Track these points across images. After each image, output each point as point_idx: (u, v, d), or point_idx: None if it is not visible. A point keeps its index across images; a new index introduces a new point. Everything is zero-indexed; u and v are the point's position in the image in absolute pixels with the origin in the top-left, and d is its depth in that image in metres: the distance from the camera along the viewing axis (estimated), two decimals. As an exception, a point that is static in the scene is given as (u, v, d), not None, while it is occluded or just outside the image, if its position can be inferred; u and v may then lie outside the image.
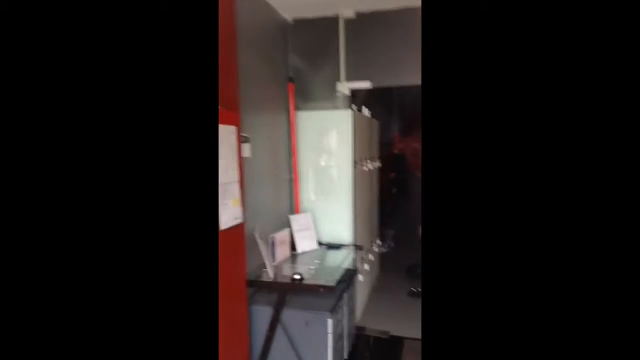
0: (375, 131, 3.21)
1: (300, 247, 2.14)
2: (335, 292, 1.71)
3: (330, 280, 1.70)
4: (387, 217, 5.88)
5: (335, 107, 2.34)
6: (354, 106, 2.37)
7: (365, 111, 2.66)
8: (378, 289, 3.04)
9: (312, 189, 2.32)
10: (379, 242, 4.05)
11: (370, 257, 2.85)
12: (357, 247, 2.30)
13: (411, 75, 2.20)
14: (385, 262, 3.70)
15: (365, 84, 2.29)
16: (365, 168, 2.59)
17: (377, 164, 3.42)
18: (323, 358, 1.69)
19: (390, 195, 7.44)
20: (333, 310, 1.70)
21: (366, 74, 2.29)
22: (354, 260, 2.25)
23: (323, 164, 2.28)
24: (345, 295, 1.95)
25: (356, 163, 2.33)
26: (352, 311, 2.17)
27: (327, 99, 2.37)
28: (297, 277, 1.70)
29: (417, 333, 2.28)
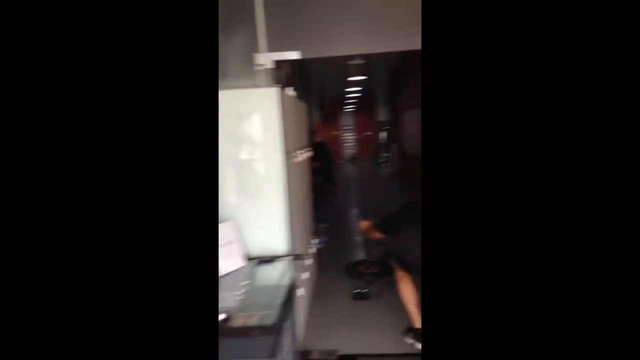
0: (303, 115, 2.79)
1: (223, 268, 1.64)
2: (273, 329, 1.27)
3: (267, 314, 1.26)
4: (316, 209, 5.61)
5: (256, 85, 1.86)
6: (278, 83, 1.91)
7: (289, 91, 2.21)
8: (318, 294, 2.68)
9: (232, 190, 1.82)
10: (313, 239, 3.72)
11: (308, 261, 2.46)
12: (296, 257, 1.88)
13: (352, 44, 1.82)
14: (322, 261, 3.36)
15: (293, 55, 1.83)
16: (297, 159, 2.16)
17: (308, 153, 3.02)
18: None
19: (316, 186, 7.22)
20: (272, 355, 1.26)
21: (293, 42, 1.84)
22: (293, 274, 1.83)
23: (245, 157, 1.79)
24: (287, 325, 1.52)
25: (289, 154, 1.90)
26: (294, 339, 1.76)
27: (244, 74, 1.87)
28: (220, 317, 1.22)
29: (369, 347, 1.99)
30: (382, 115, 11.52)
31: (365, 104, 14.03)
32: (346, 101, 12.07)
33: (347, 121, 14.81)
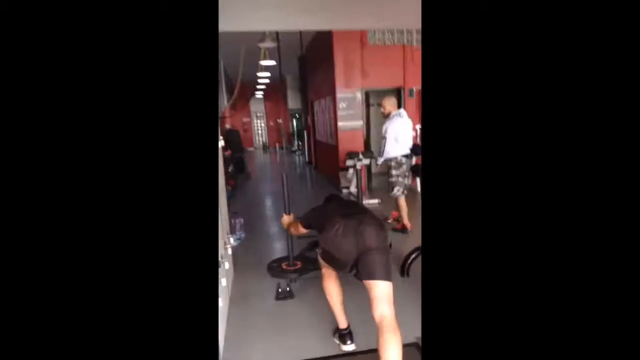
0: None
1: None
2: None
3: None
4: (230, 201, 5.26)
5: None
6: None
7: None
8: (238, 300, 2.43)
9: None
10: (229, 236, 3.42)
11: (226, 263, 2.20)
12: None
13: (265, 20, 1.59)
14: (238, 260, 3.10)
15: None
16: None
17: (221, 141, 2.71)
18: None
19: (227, 176, 6.80)
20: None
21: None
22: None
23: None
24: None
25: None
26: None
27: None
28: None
29: (297, 352, 1.86)
30: (293, 102, 11.41)
31: (276, 91, 13.75)
32: (257, 86, 11.60)
33: (257, 107, 14.32)
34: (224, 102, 8.85)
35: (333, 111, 5.75)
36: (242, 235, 3.63)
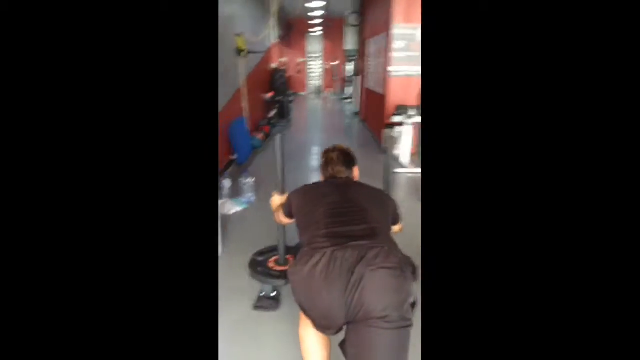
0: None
1: None
2: None
3: None
4: (257, 152, 4.72)
5: None
6: None
7: None
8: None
9: None
10: (225, 201, 2.87)
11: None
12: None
13: None
14: (233, 233, 2.58)
15: None
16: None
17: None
18: None
19: (265, 122, 6.24)
20: None
21: None
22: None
23: None
24: None
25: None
26: None
27: None
28: None
29: None
30: (350, 42, 10.17)
31: (337, 28, 12.45)
32: (314, 22, 10.46)
33: (315, 47, 13.21)
34: (274, 37, 8.02)
35: (385, 51, 4.72)
36: (252, 198, 3.08)
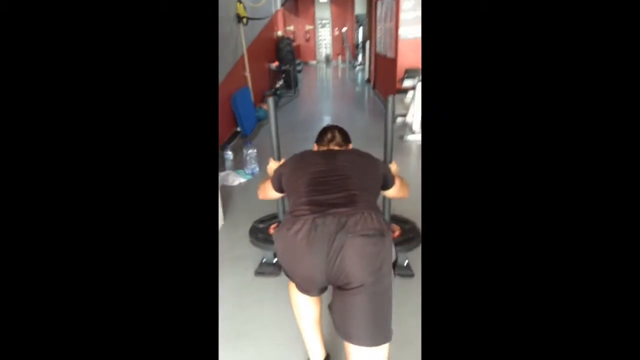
0: None
1: None
2: None
3: None
4: (262, 123, 4.61)
5: None
6: None
7: None
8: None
9: None
10: (227, 172, 2.81)
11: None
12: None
13: None
14: (233, 205, 2.53)
15: None
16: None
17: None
18: None
19: (271, 92, 6.09)
20: None
21: None
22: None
23: None
24: None
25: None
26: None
27: None
28: None
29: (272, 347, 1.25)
30: (360, 6, 9.69)
31: (342, -8, 11.89)
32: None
33: (322, 14, 12.68)
34: (277, 3, 7.68)
35: (395, 13, 4.44)
36: (256, 169, 3.02)
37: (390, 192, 1.29)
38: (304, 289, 1.04)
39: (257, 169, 3.03)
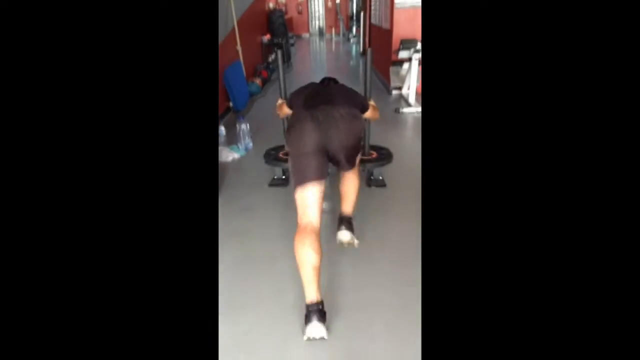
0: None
1: None
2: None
3: None
4: (255, 98, 4.51)
5: None
6: None
7: None
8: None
9: None
10: (227, 148, 2.77)
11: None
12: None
13: None
14: (226, 181, 2.52)
15: None
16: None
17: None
18: None
19: (262, 67, 5.94)
20: None
21: None
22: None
23: None
24: None
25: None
26: None
27: None
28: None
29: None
30: (354, -25, 9.34)
31: (336, -40, 11.42)
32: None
33: (315, -16, 12.22)
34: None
35: (390, -20, 4.28)
36: (250, 144, 2.98)
37: (367, 114, 1.70)
38: (304, 176, 1.34)
39: (251, 144, 2.99)
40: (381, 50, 5.13)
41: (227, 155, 2.78)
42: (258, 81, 4.89)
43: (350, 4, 10.55)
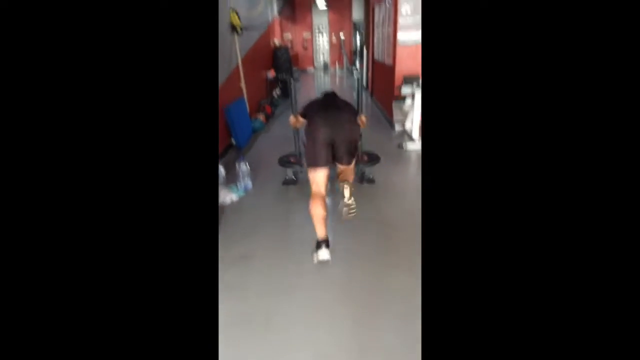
0: None
1: None
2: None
3: None
4: (258, 134, 4.49)
5: None
6: None
7: None
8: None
9: None
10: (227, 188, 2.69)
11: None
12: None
13: None
14: (223, 225, 2.40)
15: None
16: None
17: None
18: None
19: (267, 102, 5.99)
20: None
21: None
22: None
23: None
24: None
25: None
26: None
27: None
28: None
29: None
30: (358, 12, 9.63)
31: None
32: (315, -6, 9.91)
33: (320, 20, 12.65)
34: (273, 12, 7.61)
35: (393, 18, 4.34)
36: (249, 185, 2.89)
37: (360, 120, 2.12)
38: (315, 161, 1.85)
39: (250, 184, 2.90)
40: (384, 85, 5.15)
41: (225, 196, 2.69)
42: (261, 117, 4.89)
43: (353, 40, 10.84)
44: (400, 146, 3.77)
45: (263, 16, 6.07)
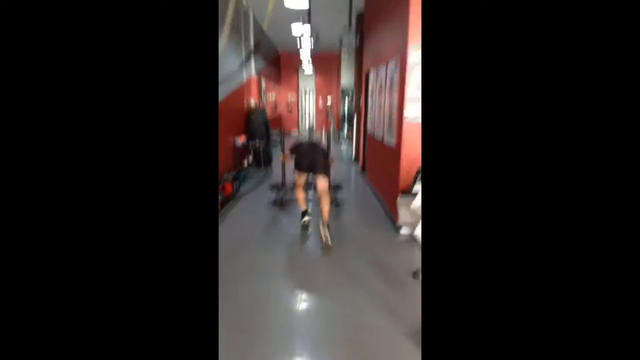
0: None
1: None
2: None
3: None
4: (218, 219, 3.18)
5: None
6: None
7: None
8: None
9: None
10: None
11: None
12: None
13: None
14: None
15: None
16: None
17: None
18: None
19: (231, 174, 4.72)
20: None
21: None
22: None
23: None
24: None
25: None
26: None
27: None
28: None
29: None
30: (347, 77, 8.93)
31: (329, 63, 11.36)
32: (302, 57, 9.25)
33: (307, 83, 12.05)
34: (250, 70, 6.67)
35: (399, 84, 3.27)
36: None
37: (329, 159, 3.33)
38: (300, 167, 3.14)
39: None
40: (383, 170, 3.96)
41: None
42: (225, 192, 3.56)
43: (341, 105, 10.07)
44: (415, 275, 2.44)
45: (236, 73, 5.03)
